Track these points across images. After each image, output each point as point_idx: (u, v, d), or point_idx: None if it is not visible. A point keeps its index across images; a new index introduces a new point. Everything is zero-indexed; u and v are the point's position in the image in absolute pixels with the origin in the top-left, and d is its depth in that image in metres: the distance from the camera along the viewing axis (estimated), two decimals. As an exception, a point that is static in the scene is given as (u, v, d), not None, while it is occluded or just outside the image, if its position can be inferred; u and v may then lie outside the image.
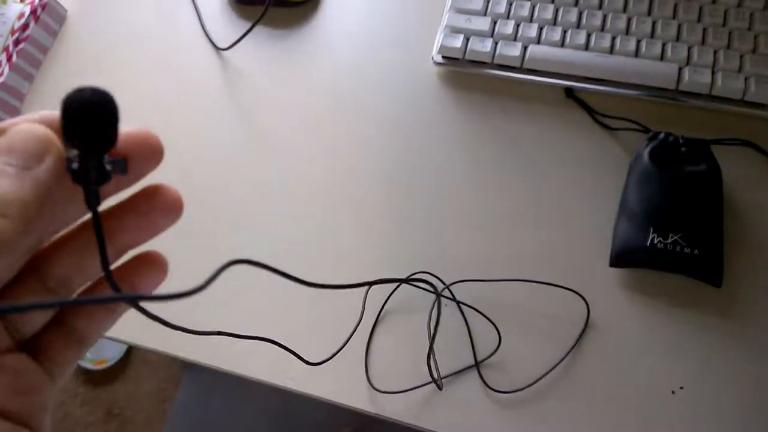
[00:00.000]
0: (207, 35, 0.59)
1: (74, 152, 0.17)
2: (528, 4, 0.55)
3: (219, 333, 0.40)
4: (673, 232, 0.46)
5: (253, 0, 0.59)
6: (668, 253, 0.46)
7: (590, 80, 0.53)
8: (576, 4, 0.54)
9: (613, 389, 0.45)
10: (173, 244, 0.54)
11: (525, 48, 0.54)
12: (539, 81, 0.54)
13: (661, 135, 0.49)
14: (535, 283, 0.48)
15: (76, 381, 1.33)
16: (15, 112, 0.59)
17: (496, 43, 0.54)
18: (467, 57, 0.54)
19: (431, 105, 0.55)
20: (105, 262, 0.18)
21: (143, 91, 0.59)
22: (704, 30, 0.52)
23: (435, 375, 0.44)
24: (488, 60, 0.54)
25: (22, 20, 0.59)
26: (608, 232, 0.49)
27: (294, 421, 1.22)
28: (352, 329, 0.48)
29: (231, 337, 0.42)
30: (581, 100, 0.54)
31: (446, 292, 0.49)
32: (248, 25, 0.57)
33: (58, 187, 0.17)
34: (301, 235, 0.52)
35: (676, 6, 0.53)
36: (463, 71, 0.56)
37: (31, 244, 0.17)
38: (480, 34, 0.54)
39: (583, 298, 0.47)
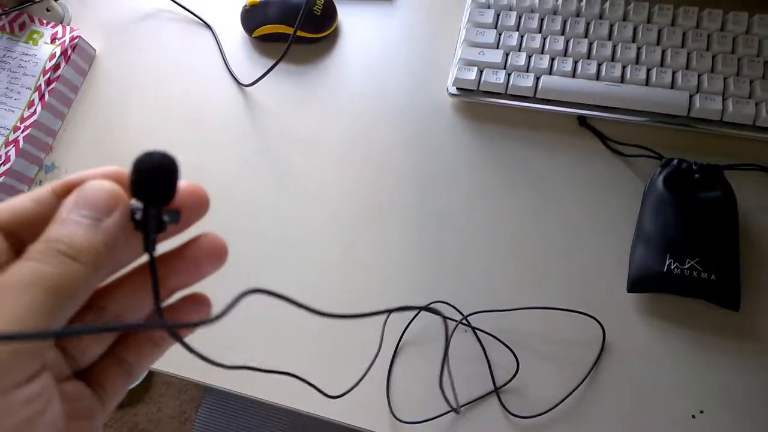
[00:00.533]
0: (230, 72, 0.62)
1: (137, 204, 0.19)
2: (539, 37, 0.56)
3: (245, 368, 0.42)
4: (690, 257, 0.47)
5: (274, 38, 0.62)
6: (685, 279, 0.46)
7: (602, 108, 0.54)
8: (586, 35, 0.56)
9: (633, 414, 0.46)
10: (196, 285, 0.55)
11: (537, 79, 0.55)
12: (552, 110, 0.55)
13: (674, 162, 0.50)
14: (551, 310, 0.49)
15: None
16: (47, 148, 0.62)
17: (509, 75, 0.56)
18: (481, 88, 0.56)
19: (447, 135, 0.57)
20: (157, 301, 0.20)
21: (169, 127, 0.61)
22: (713, 57, 0.53)
23: (451, 400, 0.45)
24: (502, 91, 0.56)
25: (54, 61, 0.62)
26: (624, 258, 0.50)
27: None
28: (371, 357, 0.49)
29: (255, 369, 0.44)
30: (594, 128, 0.55)
31: (463, 321, 0.50)
32: (268, 61, 0.60)
33: (121, 234, 0.19)
34: (320, 265, 0.53)
35: (684, 35, 0.54)
36: (477, 102, 0.57)
37: (98, 284, 0.19)
38: (493, 66, 0.56)
39: (598, 322, 0.48)
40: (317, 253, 0.54)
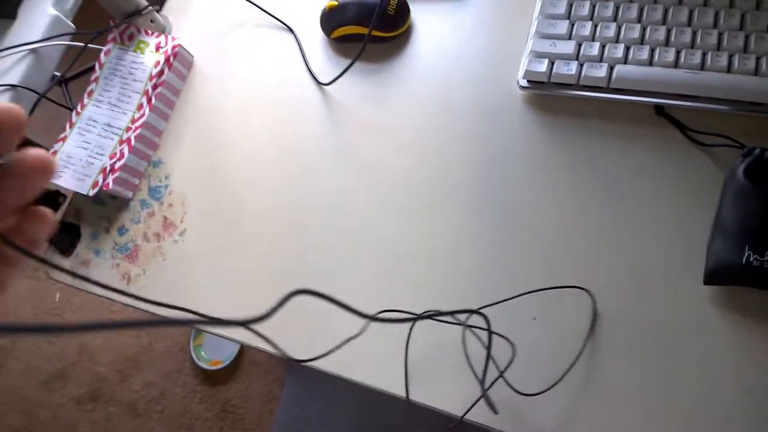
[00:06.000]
0: (311, 72, 0.66)
1: None
2: (614, 25, 0.56)
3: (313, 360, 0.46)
4: (771, 249, 0.45)
5: (351, 38, 0.65)
6: (764, 271, 0.45)
7: (681, 97, 0.53)
8: (664, 22, 0.55)
9: (700, 406, 0.45)
10: (281, 264, 0.60)
11: (611, 68, 0.55)
12: (627, 100, 0.55)
13: (757, 151, 0.48)
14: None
15: (195, 379, 1.48)
16: (154, 146, 0.70)
17: (581, 65, 0.56)
18: (552, 80, 0.56)
19: (518, 128, 0.58)
20: None
21: (258, 124, 0.66)
22: (803, 41, 0.50)
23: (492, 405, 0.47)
24: (573, 82, 0.56)
25: (158, 68, 0.69)
26: (701, 250, 0.49)
27: (385, 422, 1.27)
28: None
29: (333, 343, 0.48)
30: (672, 117, 0.54)
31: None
32: (346, 60, 0.63)
33: None
34: (393, 251, 0.57)
35: (771, 18, 0.52)
36: (548, 94, 0.58)
37: None
38: (565, 57, 0.56)
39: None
40: (391, 242, 0.57)
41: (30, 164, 0.23)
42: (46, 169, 0.23)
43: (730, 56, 0.52)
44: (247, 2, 0.72)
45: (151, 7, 0.72)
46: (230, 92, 0.69)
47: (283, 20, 0.70)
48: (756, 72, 0.51)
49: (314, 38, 0.68)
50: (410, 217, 0.58)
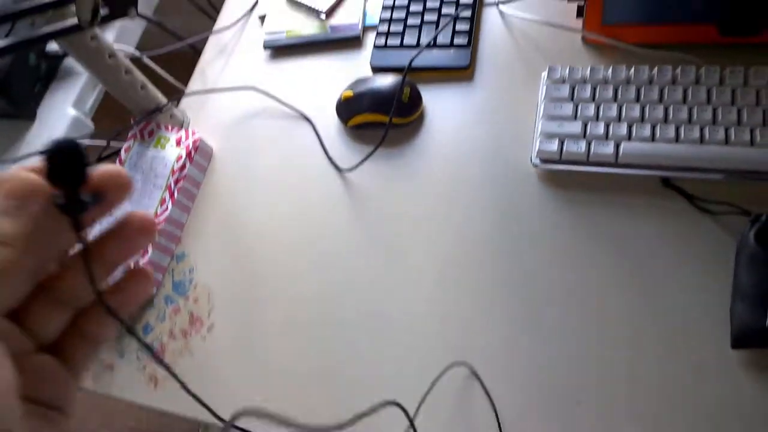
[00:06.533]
0: (330, 159, 0.69)
1: (59, 191, 0.21)
2: (615, 105, 0.60)
3: None
4: (791, 311, 0.48)
5: (366, 126, 0.69)
6: (788, 333, 0.48)
7: (685, 169, 0.57)
8: (661, 100, 0.59)
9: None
10: (313, 353, 0.60)
11: (617, 145, 0.59)
12: (635, 174, 0.58)
13: (763, 217, 0.52)
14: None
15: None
16: (177, 240, 0.71)
17: (590, 143, 0.60)
18: (564, 158, 0.60)
19: (533, 204, 0.61)
20: (91, 273, 0.22)
21: (280, 212, 0.69)
22: (790, 113, 0.55)
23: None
24: (584, 159, 0.60)
25: (180, 162, 0.71)
26: (720, 315, 0.51)
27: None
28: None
29: None
30: (679, 188, 0.58)
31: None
32: (362, 146, 0.67)
33: (49, 219, 0.21)
34: (416, 332, 0.58)
35: (758, 93, 0.57)
36: (561, 170, 0.61)
37: (33, 266, 0.22)
38: (573, 136, 0.60)
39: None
40: (413, 324, 0.59)
41: (135, 225, 0.24)
42: (149, 230, 0.24)
43: (726, 129, 0.56)
44: (263, 94, 0.76)
45: (170, 104, 0.75)
46: (250, 182, 0.72)
47: (300, 110, 0.74)
48: (752, 143, 0.55)
49: (330, 126, 0.72)
50: (433, 298, 0.59)
